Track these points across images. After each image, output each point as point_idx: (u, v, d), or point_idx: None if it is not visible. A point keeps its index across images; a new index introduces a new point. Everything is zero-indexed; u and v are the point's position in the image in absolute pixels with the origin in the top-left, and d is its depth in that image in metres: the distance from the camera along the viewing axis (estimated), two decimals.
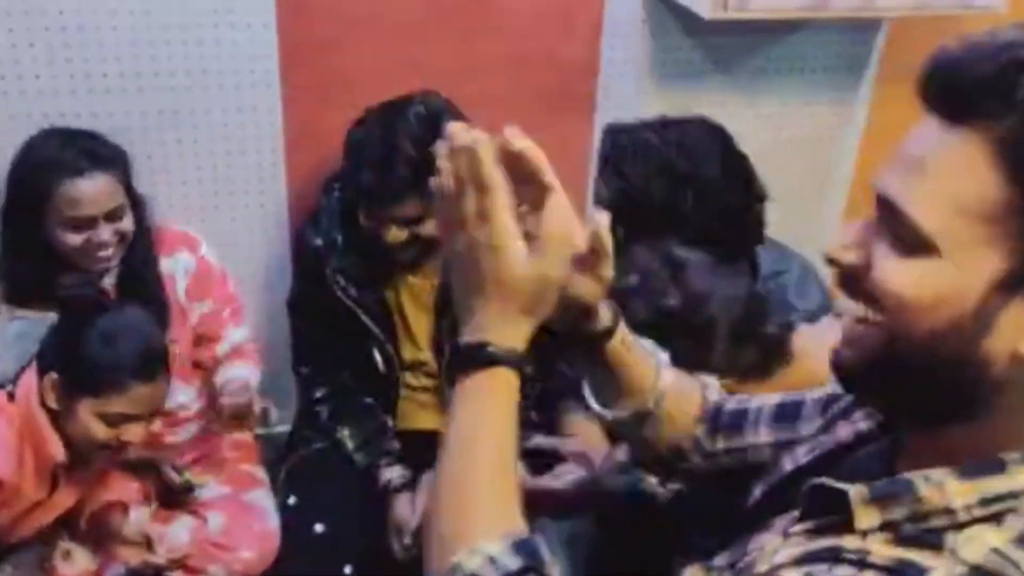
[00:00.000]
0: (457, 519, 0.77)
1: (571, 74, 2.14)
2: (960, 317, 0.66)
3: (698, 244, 1.50)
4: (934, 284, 0.66)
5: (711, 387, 1.14)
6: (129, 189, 1.86)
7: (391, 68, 1.92)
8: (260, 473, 2.09)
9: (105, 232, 1.81)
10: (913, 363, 0.69)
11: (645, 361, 1.06)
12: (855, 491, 0.72)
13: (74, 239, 1.80)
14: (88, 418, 1.62)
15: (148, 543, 1.83)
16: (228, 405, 1.86)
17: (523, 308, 0.81)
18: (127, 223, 1.85)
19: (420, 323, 2.05)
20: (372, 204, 1.84)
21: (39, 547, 1.78)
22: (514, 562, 0.73)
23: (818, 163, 2.38)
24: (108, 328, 1.63)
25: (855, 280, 0.72)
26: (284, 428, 2.19)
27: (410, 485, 2.00)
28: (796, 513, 0.79)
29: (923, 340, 0.67)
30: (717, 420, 1.10)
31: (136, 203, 1.89)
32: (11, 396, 1.68)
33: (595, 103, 2.17)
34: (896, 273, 0.68)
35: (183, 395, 2.02)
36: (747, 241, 1.56)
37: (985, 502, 0.67)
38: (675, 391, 1.07)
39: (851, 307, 0.72)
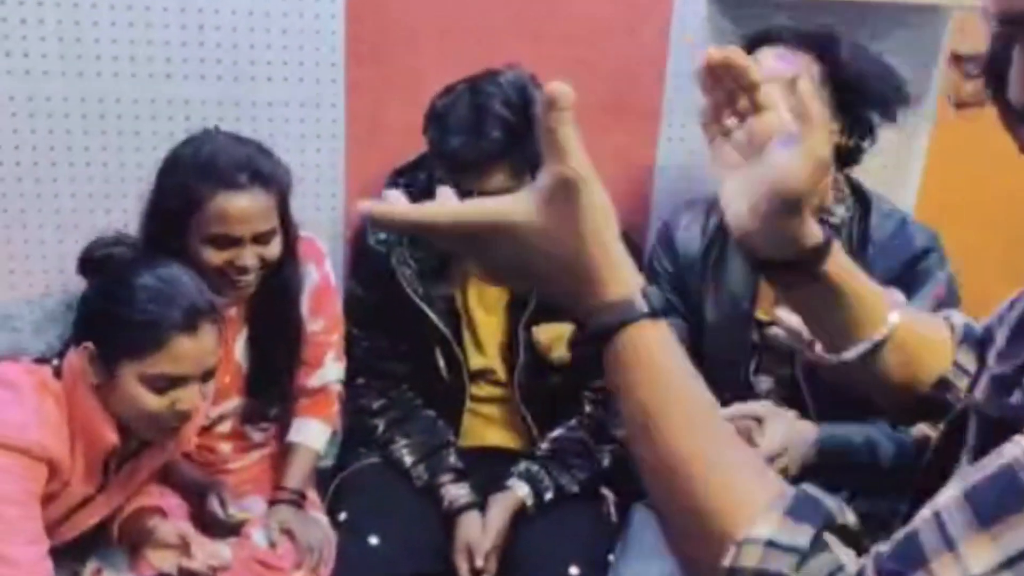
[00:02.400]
0: (706, 498, 0.63)
1: (637, 82, 2.10)
2: None
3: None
4: None
5: (954, 313, 1.00)
6: (284, 213, 1.69)
7: (457, 68, 1.86)
8: (310, 491, 1.91)
9: (249, 256, 1.65)
10: None
11: (870, 283, 0.91)
12: None
13: (215, 258, 1.64)
14: (133, 386, 1.44)
15: (185, 547, 1.59)
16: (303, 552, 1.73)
17: None
18: (273, 249, 1.68)
19: (487, 327, 1.93)
20: (459, 174, 1.71)
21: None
22: (802, 534, 0.60)
23: (887, 160, 2.24)
24: (143, 283, 1.47)
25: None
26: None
27: (477, 505, 1.84)
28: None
29: None
30: (973, 335, 0.95)
31: (288, 228, 1.71)
32: (57, 372, 1.52)
33: (660, 113, 2.12)
34: None
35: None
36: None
37: None
38: (910, 318, 0.92)
39: None
